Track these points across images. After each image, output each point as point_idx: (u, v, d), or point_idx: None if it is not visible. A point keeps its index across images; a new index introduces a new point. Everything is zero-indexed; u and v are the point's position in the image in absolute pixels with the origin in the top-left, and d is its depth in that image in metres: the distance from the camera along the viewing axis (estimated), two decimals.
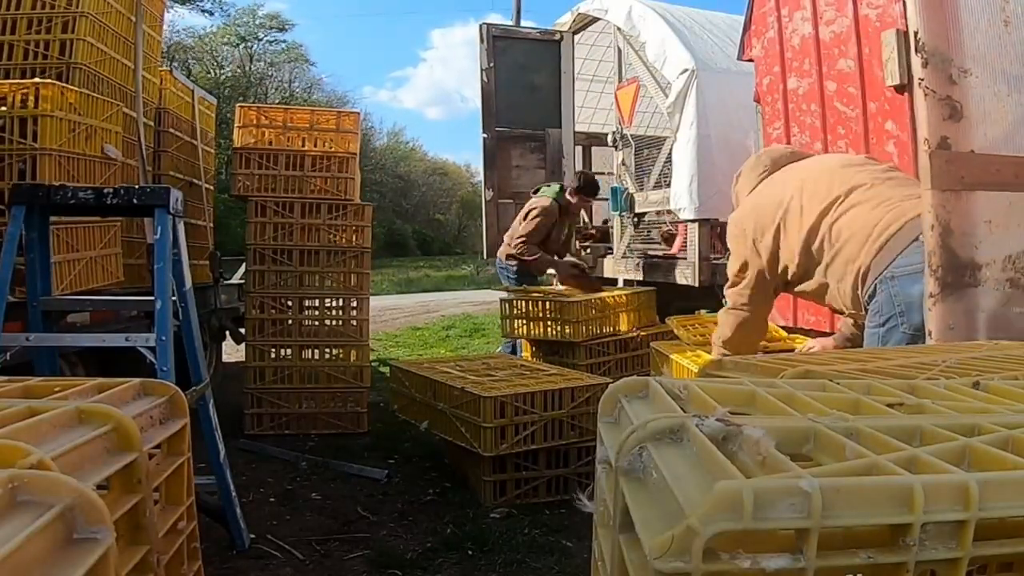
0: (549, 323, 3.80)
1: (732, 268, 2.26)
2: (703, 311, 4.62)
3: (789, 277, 2.14)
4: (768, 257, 2.14)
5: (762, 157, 2.39)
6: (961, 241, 1.72)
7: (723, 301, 2.37)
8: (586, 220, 6.60)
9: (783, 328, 3.18)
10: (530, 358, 4.16)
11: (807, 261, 2.06)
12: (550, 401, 2.59)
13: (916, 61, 1.73)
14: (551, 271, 4.63)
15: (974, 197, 1.74)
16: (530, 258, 4.35)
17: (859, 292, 1.94)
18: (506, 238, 4.65)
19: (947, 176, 1.71)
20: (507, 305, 4.00)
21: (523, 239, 4.34)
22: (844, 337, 2.39)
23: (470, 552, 2.19)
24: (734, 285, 2.25)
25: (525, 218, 4.44)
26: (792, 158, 2.36)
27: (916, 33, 1.73)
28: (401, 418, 3.21)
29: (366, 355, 3.71)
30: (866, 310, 1.93)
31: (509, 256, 4.53)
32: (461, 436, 2.62)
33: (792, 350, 2.51)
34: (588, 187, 4.52)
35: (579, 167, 6.59)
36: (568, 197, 4.46)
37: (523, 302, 3.94)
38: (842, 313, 2.26)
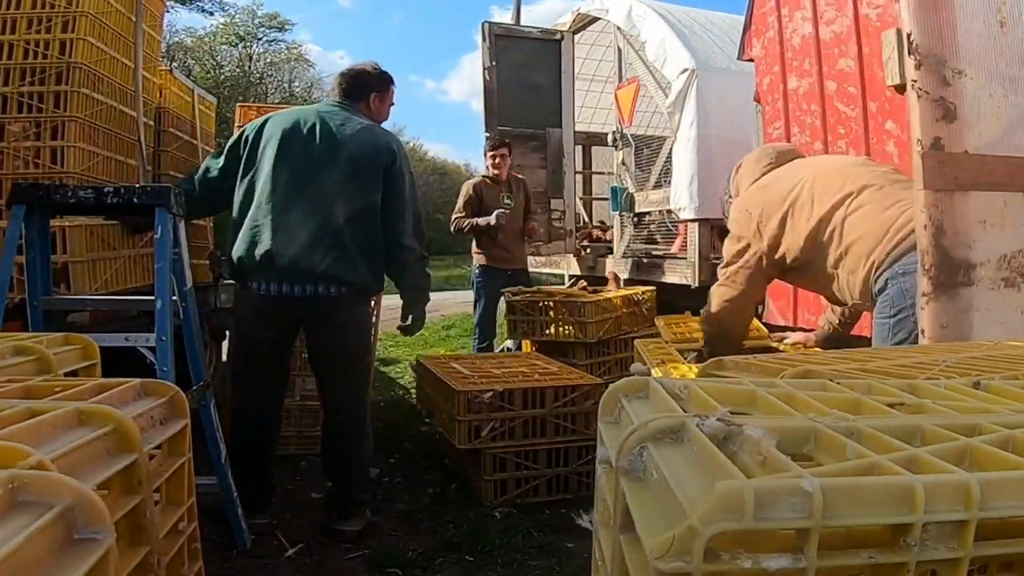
0: (560, 323, 3.80)
1: (730, 250, 2.32)
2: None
3: (788, 262, 2.22)
4: (770, 241, 2.21)
5: (767, 150, 2.48)
6: (954, 241, 1.73)
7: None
8: (586, 219, 6.60)
9: (782, 328, 3.18)
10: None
11: (811, 250, 2.14)
12: (531, 399, 2.62)
13: (909, 63, 1.74)
14: (492, 222, 4.43)
15: (969, 197, 1.75)
16: (465, 229, 4.40)
17: (870, 285, 2.02)
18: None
19: (939, 177, 1.72)
20: (513, 305, 3.99)
21: (455, 218, 4.46)
22: (824, 335, 2.55)
23: (470, 552, 2.19)
24: (729, 265, 2.31)
25: None
26: (795, 155, 2.46)
27: (909, 35, 1.74)
28: (410, 416, 3.20)
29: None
30: (874, 302, 2.02)
31: (475, 258, 4.55)
32: (444, 425, 2.73)
33: (770, 349, 2.52)
34: (491, 144, 4.59)
35: (579, 167, 6.60)
36: (486, 161, 4.55)
37: (531, 302, 3.93)
38: (843, 304, 2.36)
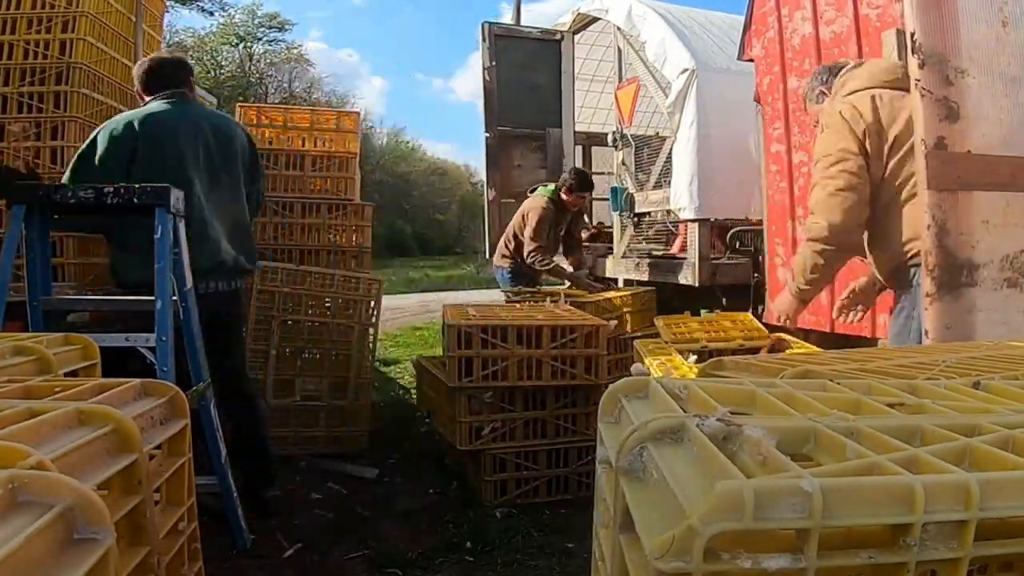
0: None
1: (835, 144, 1.94)
2: (704, 311, 4.61)
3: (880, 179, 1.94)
4: (883, 136, 1.91)
5: (895, 67, 2.09)
6: (958, 241, 1.72)
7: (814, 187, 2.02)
8: (585, 219, 6.59)
9: (782, 328, 3.17)
10: None
11: (875, 194, 1.93)
12: (531, 400, 2.62)
13: (913, 62, 1.74)
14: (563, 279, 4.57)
15: (972, 197, 1.75)
16: (544, 268, 4.30)
17: (906, 271, 1.91)
18: (502, 241, 4.64)
19: (943, 176, 1.71)
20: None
21: (535, 247, 4.29)
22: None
23: (470, 552, 2.19)
24: (839, 162, 1.91)
25: (524, 223, 4.41)
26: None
27: (913, 34, 1.74)
28: (410, 416, 3.20)
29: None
30: (901, 288, 1.92)
31: (504, 256, 4.54)
32: (444, 426, 2.73)
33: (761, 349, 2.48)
34: (581, 183, 4.42)
35: (579, 167, 6.60)
36: (563, 196, 4.40)
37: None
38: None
